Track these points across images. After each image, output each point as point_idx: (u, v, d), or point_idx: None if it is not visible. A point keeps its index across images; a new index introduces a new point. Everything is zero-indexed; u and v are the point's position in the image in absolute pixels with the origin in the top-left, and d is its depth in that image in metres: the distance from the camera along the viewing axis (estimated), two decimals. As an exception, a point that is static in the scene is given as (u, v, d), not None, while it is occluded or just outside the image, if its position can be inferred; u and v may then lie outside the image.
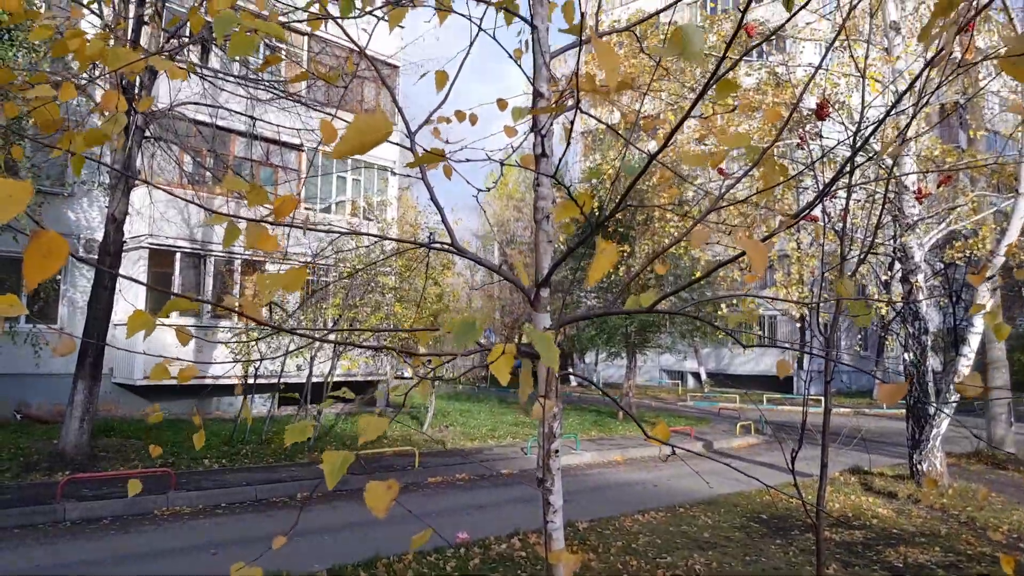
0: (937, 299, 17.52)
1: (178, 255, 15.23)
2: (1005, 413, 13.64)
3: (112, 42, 10.78)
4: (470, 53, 2.89)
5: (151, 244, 14.92)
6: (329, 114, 2.63)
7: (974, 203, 11.41)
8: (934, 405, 10.26)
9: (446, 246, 2.68)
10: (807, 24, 11.16)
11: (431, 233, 12.89)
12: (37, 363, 13.88)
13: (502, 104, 3.60)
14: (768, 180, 2.19)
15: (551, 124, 2.32)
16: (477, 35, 2.40)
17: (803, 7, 2.06)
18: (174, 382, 12.92)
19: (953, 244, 11.99)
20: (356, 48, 2.85)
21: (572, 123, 2.08)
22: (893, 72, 10.01)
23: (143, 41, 11.07)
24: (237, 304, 1.96)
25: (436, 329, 2.62)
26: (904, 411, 11.00)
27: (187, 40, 12.44)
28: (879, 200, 8.97)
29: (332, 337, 8.12)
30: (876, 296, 11.07)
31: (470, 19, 2.42)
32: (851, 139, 4.07)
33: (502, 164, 2.68)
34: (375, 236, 2.75)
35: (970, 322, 10.27)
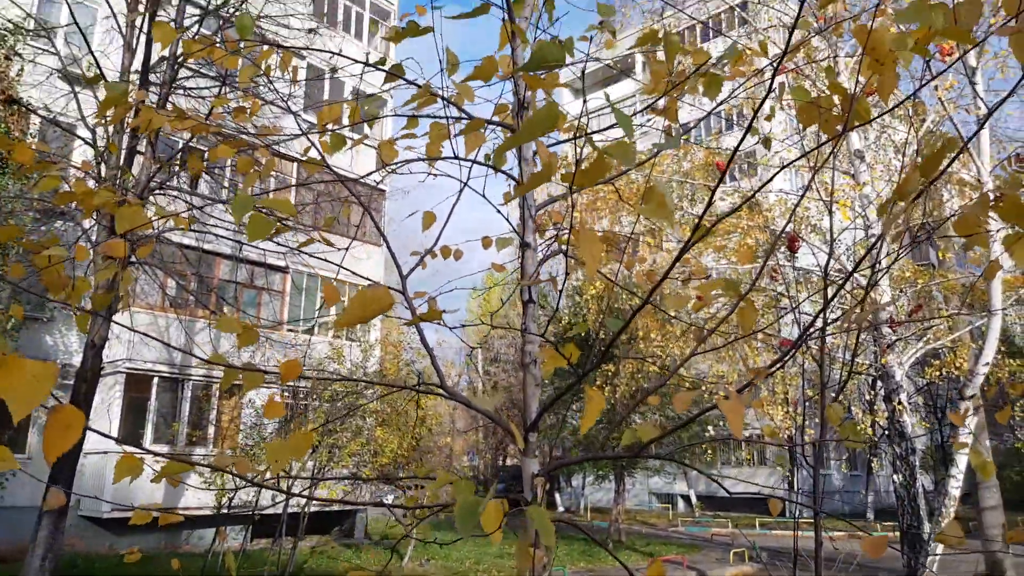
0: (922, 417, 17.51)
1: (155, 379, 14.98)
2: (1000, 534, 13.33)
3: (104, 169, 11.04)
4: (461, 167, 2.97)
5: (128, 369, 14.69)
6: (320, 239, 2.66)
7: (950, 321, 11.61)
8: (928, 528, 10.03)
9: (435, 389, 2.65)
10: (775, 153, 11.70)
11: (419, 374, 12.87)
12: (0, 495, 13.31)
13: (486, 242, 3.67)
14: (745, 321, 2.23)
15: (538, 273, 2.35)
16: (463, 188, 2.47)
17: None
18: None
19: (932, 362, 12.11)
20: (344, 184, 2.91)
21: (561, 277, 2.10)
22: (861, 198, 10.41)
23: (134, 170, 11.31)
24: (231, 464, 1.91)
25: (432, 478, 2.54)
26: (898, 534, 10.73)
27: (178, 167, 12.79)
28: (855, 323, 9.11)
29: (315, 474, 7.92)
30: (861, 416, 11.04)
31: (460, 181, 2.49)
32: (825, 267, 4.18)
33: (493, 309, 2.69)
34: (365, 381, 2.71)
35: (957, 438, 10.21)
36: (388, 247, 2.94)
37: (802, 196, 2.59)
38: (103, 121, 8.62)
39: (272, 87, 2.96)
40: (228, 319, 2.26)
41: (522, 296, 2.45)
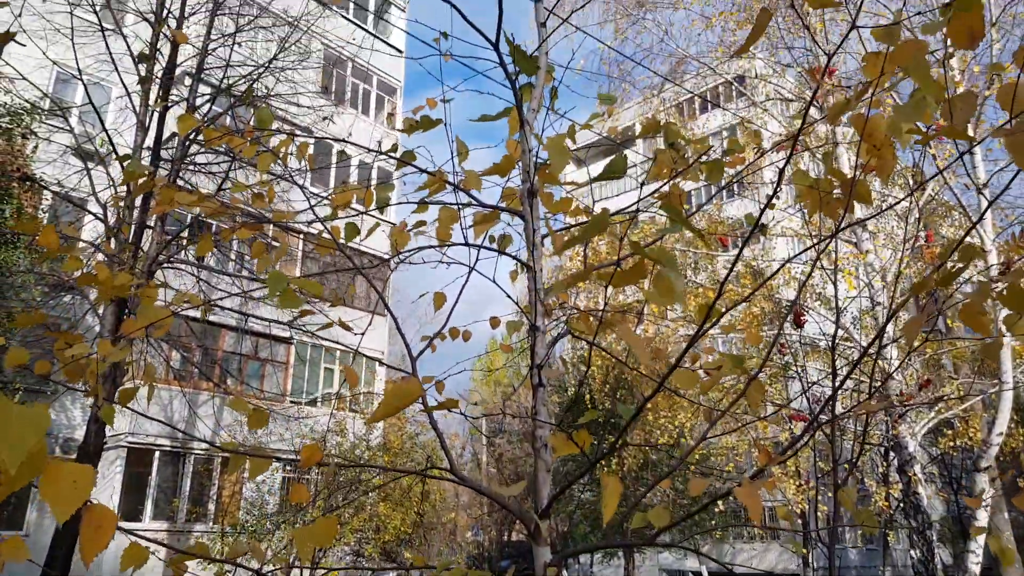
0: (938, 488, 17.16)
1: (157, 453, 14.81)
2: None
3: (113, 244, 11.17)
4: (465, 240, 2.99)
5: (130, 443, 14.55)
6: (340, 324, 2.68)
7: (960, 390, 11.48)
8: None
9: (445, 474, 2.62)
10: (777, 222, 11.82)
11: (428, 457, 12.76)
12: (-5, 574, 12.97)
13: (494, 322, 3.68)
14: (754, 401, 2.23)
15: (548, 358, 2.35)
16: (470, 272, 2.50)
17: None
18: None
19: (945, 432, 11.93)
20: (351, 261, 2.95)
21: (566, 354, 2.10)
22: (865, 267, 10.46)
23: (144, 244, 11.45)
24: (245, 555, 1.88)
25: (432, 566, 2.50)
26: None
27: (185, 242, 12.93)
28: (865, 391, 9.06)
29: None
30: (875, 489, 10.81)
31: (468, 266, 2.52)
32: (833, 340, 4.18)
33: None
34: (378, 468, 2.69)
35: (974, 514, 9.97)
36: (396, 323, 2.95)
37: (807, 277, 2.60)
38: (116, 196, 8.75)
39: (281, 164, 3.03)
40: (239, 400, 2.27)
41: (532, 380, 2.45)
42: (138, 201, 11.34)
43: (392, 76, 22.81)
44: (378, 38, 22.07)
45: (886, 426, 10.27)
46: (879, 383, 10.04)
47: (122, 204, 11.01)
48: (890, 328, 10.46)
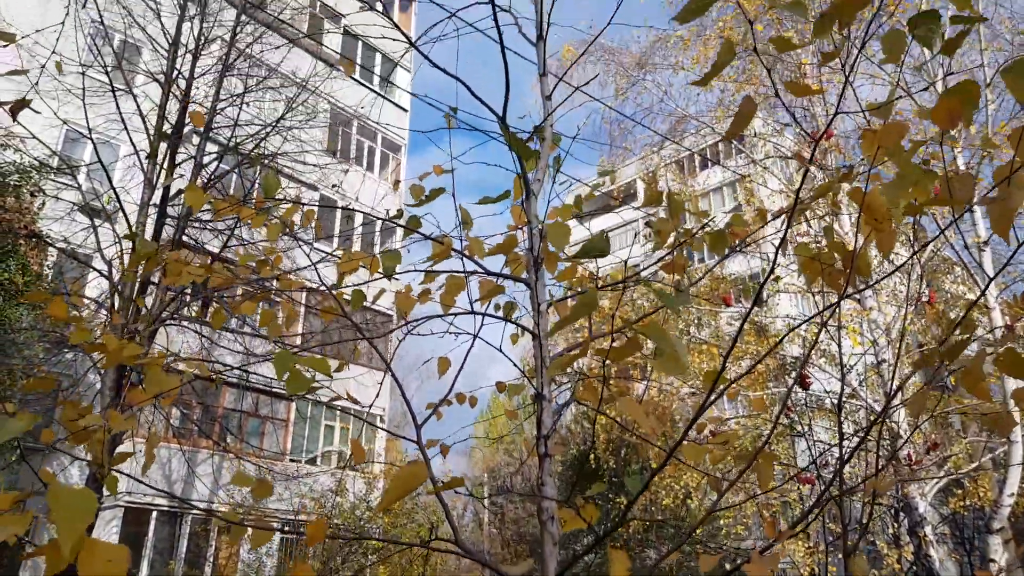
0: (950, 549, 16.80)
1: (154, 513, 14.58)
2: None
3: (117, 300, 11.19)
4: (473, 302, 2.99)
5: (128, 503, 14.33)
6: (348, 397, 2.66)
7: (969, 449, 11.34)
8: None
9: (449, 545, 2.57)
10: (780, 279, 11.84)
11: (432, 526, 12.57)
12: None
13: (501, 387, 3.66)
14: (764, 477, 2.20)
15: (555, 426, 2.33)
16: (474, 340, 2.50)
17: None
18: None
19: (955, 492, 11.73)
20: (360, 332, 2.95)
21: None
22: (869, 323, 10.44)
23: (147, 300, 11.47)
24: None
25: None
26: None
27: (188, 299, 12.97)
28: (873, 449, 8.95)
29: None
30: (887, 551, 10.59)
31: (472, 334, 2.52)
32: (839, 402, 4.15)
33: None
34: (382, 540, 2.65)
35: (989, 577, 9.72)
36: (401, 390, 2.93)
37: (811, 349, 2.60)
38: (121, 253, 8.76)
39: (288, 231, 3.06)
40: (242, 475, 2.25)
41: (538, 450, 2.42)
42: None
43: (397, 134, 23.20)
44: (384, 97, 22.52)
45: (896, 487, 10.10)
46: (887, 442, 9.92)
47: (126, 259, 11.07)
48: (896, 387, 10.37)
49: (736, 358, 10.62)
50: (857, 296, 11.39)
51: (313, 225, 3.02)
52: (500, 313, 2.90)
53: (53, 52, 5.06)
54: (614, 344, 1.36)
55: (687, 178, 18.13)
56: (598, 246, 1.42)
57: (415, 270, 2.47)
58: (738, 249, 2.88)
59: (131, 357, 2.26)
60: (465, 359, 2.57)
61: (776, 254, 1.81)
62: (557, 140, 3.02)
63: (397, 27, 2.54)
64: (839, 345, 5.01)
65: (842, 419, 2.94)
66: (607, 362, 1.41)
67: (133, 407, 2.14)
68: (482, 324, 2.53)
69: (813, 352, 10.96)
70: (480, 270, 2.60)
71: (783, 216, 2.93)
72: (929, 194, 1.83)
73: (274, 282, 2.79)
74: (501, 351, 2.49)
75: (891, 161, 1.60)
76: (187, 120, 11.83)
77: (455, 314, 2.40)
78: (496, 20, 2.38)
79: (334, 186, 11.50)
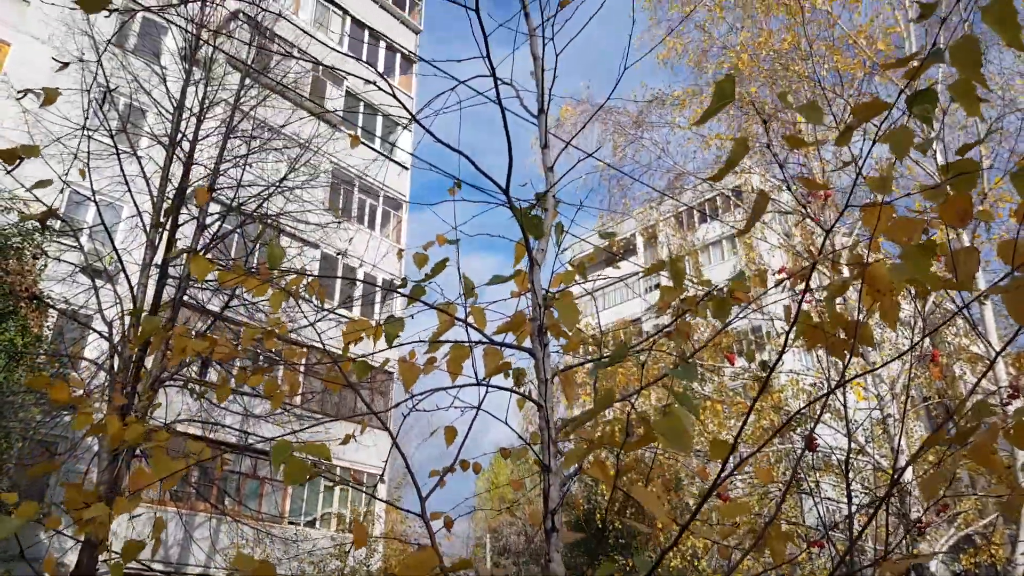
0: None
1: (150, 579, 14.24)
2: None
3: (117, 361, 11.13)
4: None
5: (124, 569, 13.98)
6: (353, 478, 2.63)
7: (979, 505, 11.15)
8: None
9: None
10: (782, 332, 11.84)
11: None
12: None
13: (505, 453, 3.62)
14: (776, 552, 2.16)
15: (562, 500, 2.29)
16: (478, 413, 2.48)
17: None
18: None
19: (967, 549, 11.50)
20: (367, 406, 2.92)
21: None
22: (873, 377, 10.38)
23: (147, 362, 11.42)
24: None
25: None
26: None
27: (188, 360, 12.91)
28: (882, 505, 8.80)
29: None
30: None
31: (475, 407, 2.50)
32: (846, 461, 4.09)
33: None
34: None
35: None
36: (402, 456, 2.89)
37: (815, 424, 2.58)
38: (121, 318, 8.73)
39: (292, 295, 3.06)
40: (246, 557, 2.20)
41: (544, 525, 2.38)
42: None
43: (398, 191, 23.46)
44: (386, 157, 22.82)
45: (906, 545, 9.89)
46: (896, 500, 9.76)
47: (126, 320, 11.07)
48: (903, 443, 10.27)
49: (740, 415, 10.52)
50: (860, 350, 11.32)
51: (317, 294, 3.03)
52: (508, 379, 2.88)
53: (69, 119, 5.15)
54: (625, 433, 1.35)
55: (686, 233, 18.26)
56: (619, 354, 1.43)
57: (419, 341, 2.47)
58: (741, 316, 2.88)
59: (135, 438, 2.24)
60: (469, 430, 2.54)
61: (785, 344, 1.80)
62: (557, 205, 3.06)
63: (401, 103, 2.59)
64: (844, 401, 4.97)
65: (850, 480, 2.90)
66: (619, 453, 1.39)
67: (138, 490, 2.11)
68: (486, 394, 2.51)
69: (817, 407, 10.88)
70: (485, 339, 2.60)
71: (784, 278, 2.94)
72: (936, 279, 1.80)
73: (278, 351, 2.78)
74: (507, 424, 2.47)
75: (905, 261, 1.60)
76: (190, 182, 11.97)
77: (460, 386, 2.38)
78: (499, 95, 2.42)
79: (339, 253, 11.57)
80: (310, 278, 2.91)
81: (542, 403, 2.32)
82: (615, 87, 2.63)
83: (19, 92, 2.08)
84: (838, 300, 2.48)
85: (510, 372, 2.90)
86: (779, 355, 1.75)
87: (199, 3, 13.03)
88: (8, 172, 1.96)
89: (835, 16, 9.19)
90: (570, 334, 2.16)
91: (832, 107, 8.67)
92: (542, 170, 2.95)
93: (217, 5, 12.63)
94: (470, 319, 2.71)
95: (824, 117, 1.51)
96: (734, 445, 1.89)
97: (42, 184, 2.22)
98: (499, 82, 2.70)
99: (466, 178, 3.58)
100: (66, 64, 2.55)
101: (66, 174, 10.85)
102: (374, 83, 2.41)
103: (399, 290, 2.90)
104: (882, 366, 4.20)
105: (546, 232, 2.78)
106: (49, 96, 2.09)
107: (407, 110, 2.70)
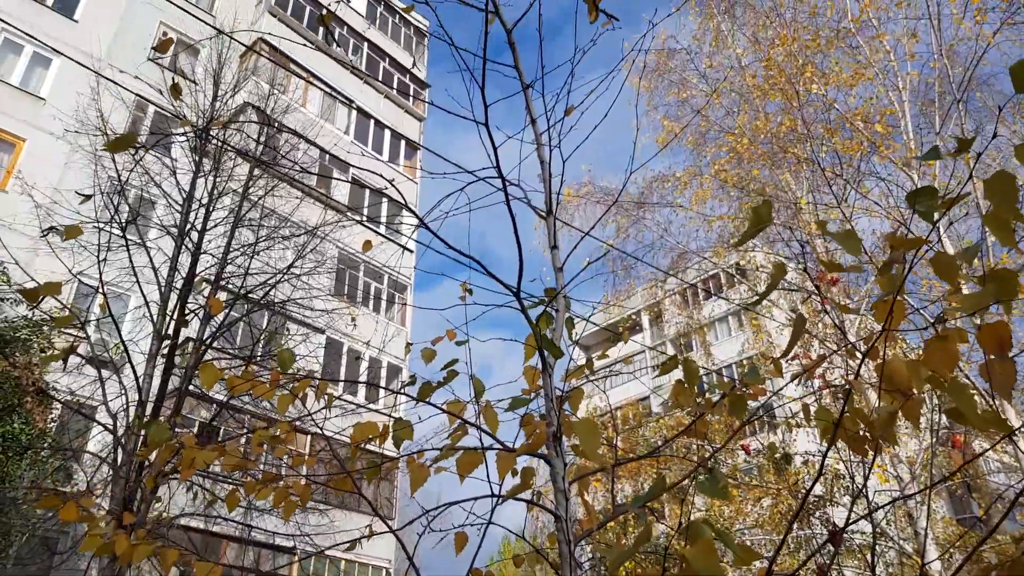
0: None
1: None
2: None
3: (120, 455, 10.97)
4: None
5: (119, 671, 13.44)
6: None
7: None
8: None
9: None
10: (795, 415, 11.63)
11: None
12: None
13: (519, 562, 3.49)
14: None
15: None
16: (489, 524, 2.40)
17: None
18: None
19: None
20: (371, 506, 2.84)
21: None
22: (892, 457, 10.16)
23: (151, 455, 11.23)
24: None
25: None
26: None
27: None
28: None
29: None
30: None
31: (488, 521, 2.43)
32: (873, 548, 3.94)
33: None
34: None
35: None
36: (405, 550, 2.79)
37: (849, 522, 2.49)
38: (126, 409, 8.65)
39: (300, 403, 3.02)
40: None
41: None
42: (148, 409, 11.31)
43: (403, 274, 23.61)
44: (391, 240, 23.09)
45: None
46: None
47: (131, 411, 10.96)
48: (923, 521, 9.95)
49: (756, 499, 10.25)
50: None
51: (326, 400, 2.98)
52: (515, 476, 2.80)
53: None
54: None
55: (692, 310, 18.23)
56: (656, 491, 1.38)
57: (430, 449, 2.41)
58: (760, 415, 2.83)
59: (143, 553, 2.17)
60: (481, 543, 2.46)
61: (818, 476, 1.74)
62: (568, 305, 3.04)
63: (410, 208, 2.61)
64: (865, 481, 4.82)
65: (875, 565, 2.78)
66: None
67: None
68: (499, 500, 2.43)
69: (835, 488, 10.60)
70: (497, 444, 2.54)
71: (800, 372, 2.89)
72: (977, 413, 1.74)
73: (287, 459, 2.72)
74: (523, 537, 2.38)
75: (947, 393, 1.56)
76: (198, 271, 12.06)
77: (474, 499, 2.31)
78: (507, 199, 2.44)
79: (358, 358, 11.54)
80: (318, 380, 2.88)
81: (561, 514, 2.25)
82: (623, 187, 2.65)
83: (43, 230, 2.10)
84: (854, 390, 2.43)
85: (518, 471, 2.83)
86: (811, 485, 1.69)
87: (211, 98, 13.46)
88: (31, 308, 1.97)
89: (831, 100, 9.41)
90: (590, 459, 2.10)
91: (833, 187, 8.78)
92: (546, 250, 2.95)
93: (227, 101, 13.01)
94: (482, 421, 2.66)
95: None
96: (770, 566, 1.81)
97: (63, 320, 2.23)
98: (507, 183, 2.72)
99: (475, 263, 3.54)
100: (89, 196, 2.60)
101: (76, 267, 10.96)
102: (382, 191, 2.44)
103: (407, 393, 2.85)
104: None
105: (557, 331, 2.75)
106: (70, 231, 2.11)
107: (414, 214, 2.72)
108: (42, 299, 2.20)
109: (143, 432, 11.13)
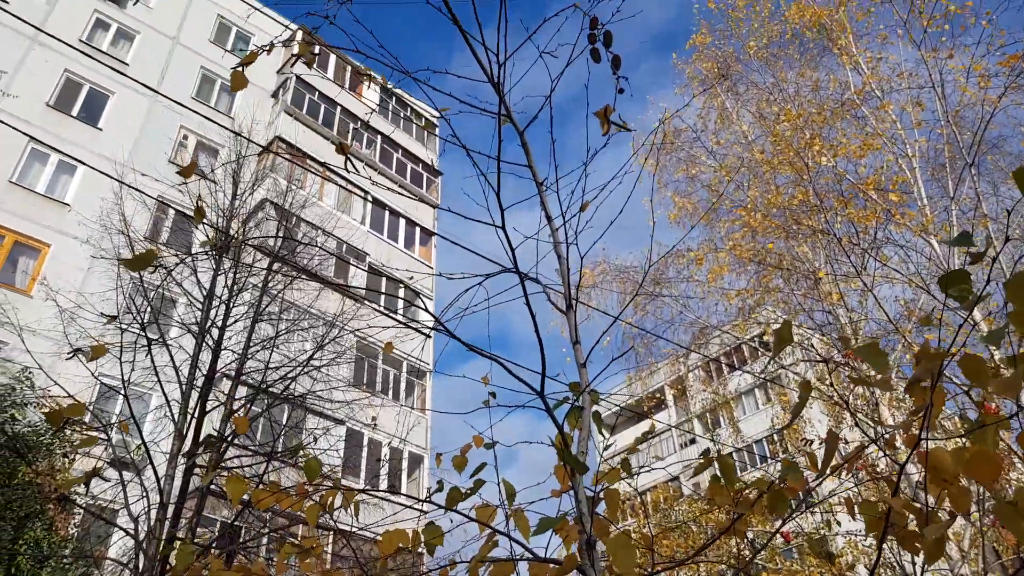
0: None
1: None
2: None
3: (142, 560, 10.75)
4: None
5: None
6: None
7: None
8: None
9: None
10: (835, 494, 11.24)
11: None
12: None
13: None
14: None
15: None
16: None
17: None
18: None
19: None
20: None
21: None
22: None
23: (172, 557, 11.01)
24: None
25: None
26: None
27: (217, 551, 12.46)
28: None
29: None
30: None
31: (506, 533, 2.31)
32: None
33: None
34: None
35: None
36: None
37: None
38: (147, 513, 8.51)
39: (328, 514, 2.93)
40: None
41: None
42: (169, 512, 11.13)
43: (421, 360, 23.54)
44: (408, 326, 23.15)
45: None
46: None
47: (152, 515, 10.80)
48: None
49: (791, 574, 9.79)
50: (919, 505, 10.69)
51: (352, 507, 2.90)
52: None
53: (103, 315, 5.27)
54: None
55: (716, 385, 17.93)
56: None
57: (460, 562, 2.31)
58: (803, 510, 2.71)
59: None
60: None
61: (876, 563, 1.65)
62: (595, 398, 2.97)
63: (427, 309, 2.58)
64: (913, 563, 4.59)
65: None
66: None
67: None
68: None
69: (881, 569, 10.13)
70: (529, 555, 2.44)
71: (839, 465, 2.78)
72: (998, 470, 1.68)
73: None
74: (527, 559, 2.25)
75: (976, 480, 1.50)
76: (218, 368, 12.08)
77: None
78: (527, 300, 2.41)
79: (379, 460, 11.39)
80: (343, 492, 2.81)
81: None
82: (645, 275, 2.62)
83: (69, 352, 2.11)
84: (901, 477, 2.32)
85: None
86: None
87: (230, 197, 13.80)
88: (56, 432, 1.95)
89: (842, 172, 9.48)
90: None
91: (851, 256, 8.73)
92: (564, 329, 2.89)
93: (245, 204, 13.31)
94: (513, 530, 2.56)
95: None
96: None
97: (89, 442, 2.21)
98: (524, 278, 2.71)
99: (496, 361, 3.49)
100: (114, 317, 2.62)
101: (97, 369, 11.01)
102: (401, 281, 2.42)
103: (433, 501, 2.77)
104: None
105: (584, 431, 2.68)
106: (96, 351, 2.11)
107: (432, 315, 2.69)
108: (65, 422, 2.18)
109: (163, 545, 10.92)
